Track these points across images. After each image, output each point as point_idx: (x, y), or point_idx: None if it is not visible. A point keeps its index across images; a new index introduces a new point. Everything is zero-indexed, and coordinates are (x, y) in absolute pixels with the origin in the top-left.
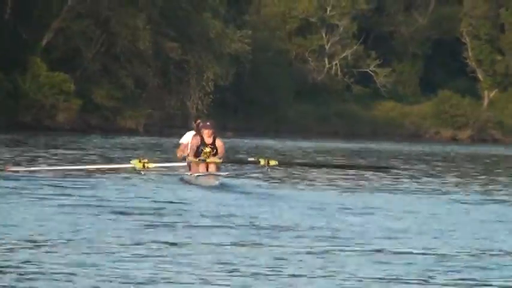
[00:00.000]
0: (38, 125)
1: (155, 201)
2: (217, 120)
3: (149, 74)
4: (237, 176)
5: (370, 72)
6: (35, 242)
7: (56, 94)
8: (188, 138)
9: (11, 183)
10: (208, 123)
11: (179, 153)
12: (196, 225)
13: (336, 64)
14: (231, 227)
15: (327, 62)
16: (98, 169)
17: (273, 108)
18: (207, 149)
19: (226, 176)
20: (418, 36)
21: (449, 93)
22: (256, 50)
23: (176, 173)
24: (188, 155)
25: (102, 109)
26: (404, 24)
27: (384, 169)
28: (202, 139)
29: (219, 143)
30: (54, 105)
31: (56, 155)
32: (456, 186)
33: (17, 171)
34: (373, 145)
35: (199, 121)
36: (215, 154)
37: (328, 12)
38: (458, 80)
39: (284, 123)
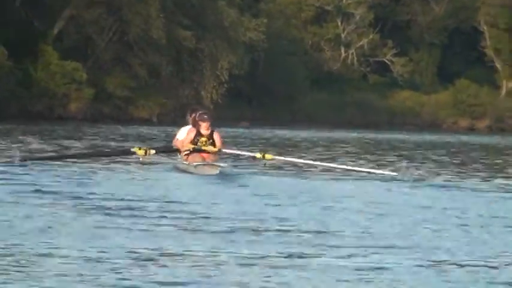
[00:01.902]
0: (49, 114)
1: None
2: (232, 110)
3: (163, 63)
4: (236, 166)
5: (387, 62)
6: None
7: (67, 83)
8: (184, 134)
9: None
10: (205, 116)
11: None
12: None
13: (352, 53)
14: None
15: (343, 51)
16: (100, 156)
17: (288, 97)
18: (203, 138)
19: (226, 167)
20: (435, 25)
21: (466, 83)
22: (272, 38)
23: (173, 161)
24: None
25: (114, 98)
26: (421, 13)
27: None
28: (198, 132)
29: (216, 135)
30: (66, 94)
31: (68, 147)
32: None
33: (25, 160)
34: (389, 135)
35: (194, 114)
36: (212, 145)
37: (344, 0)
38: (476, 69)
39: (300, 112)
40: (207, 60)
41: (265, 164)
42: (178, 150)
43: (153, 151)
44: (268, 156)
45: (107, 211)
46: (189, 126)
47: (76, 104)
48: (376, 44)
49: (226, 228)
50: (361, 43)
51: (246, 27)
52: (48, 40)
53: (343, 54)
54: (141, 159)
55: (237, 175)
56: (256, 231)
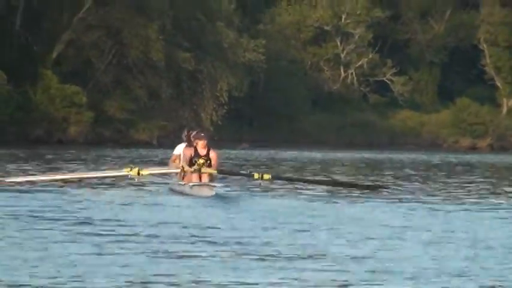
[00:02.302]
0: (49, 139)
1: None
2: (232, 132)
3: (162, 85)
4: (231, 187)
5: (387, 81)
6: None
7: (67, 107)
8: (180, 150)
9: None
10: (202, 134)
11: (172, 164)
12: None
13: (352, 73)
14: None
15: (342, 70)
16: (93, 177)
17: (288, 118)
18: (201, 160)
19: (221, 187)
20: (434, 44)
21: (467, 101)
22: (271, 59)
23: (168, 181)
24: (182, 166)
25: (115, 121)
26: (421, 31)
27: (374, 188)
28: (196, 150)
29: (213, 154)
30: (65, 118)
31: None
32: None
33: (14, 183)
34: (389, 155)
35: (191, 132)
36: (209, 165)
37: (343, 20)
38: (476, 88)
39: (300, 133)
40: (207, 81)
41: (260, 184)
42: (172, 173)
43: (146, 171)
44: (266, 176)
45: (102, 238)
46: (184, 144)
47: (76, 128)
48: (375, 63)
49: (229, 252)
50: (360, 63)
51: (245, 49)
52: (48, 64)
53: (343, 74)
54: (136, 180)
55: (233, 197)
56: (253, 255)
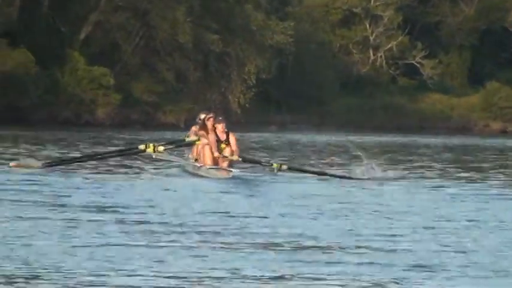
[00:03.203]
0: (77, 120)
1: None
2: (260, 115)
3: (190, 67)
4: (249, 172)
5: (416, 64)
6: None
7: (95, 88)
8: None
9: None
10: (220, 118)
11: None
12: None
13: (381, 56)
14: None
15: (371, 53)
16: (109, 155)
17: (317, 101)
18: (222, 145)
19: (238, 171)
20: (464, 27)
21: (497, 85)
22: (299, 42)
23: (183, 161)
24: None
25: (142, 104)
26: (451, 14)
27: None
28: (217, 137)
29: (232, 138)
30: (93, 100)
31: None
32: None
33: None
34: (418, 139)
35: (204, 116)
36: (230, 152)
37: (372, 2)
38: (507, 71)
39: (329, 116)
40: (235, 64)
41: (276, 174)
42: (190, 144)
43: (162, 147)
44: (284, 167)
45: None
46: (196, 127)
47: (103, 110)
48: (405, 46)
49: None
50: (389, 45)
51: (274, 31)
52: (75, 45)
53: (372, 57)
54: (154, 156)
55: (250, 180)
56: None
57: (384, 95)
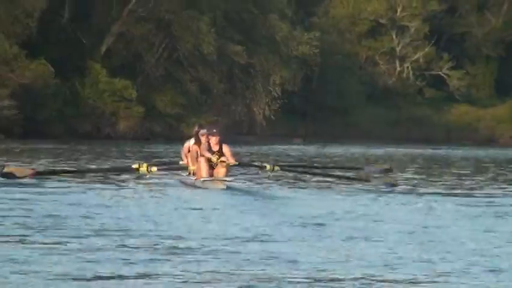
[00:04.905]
0: (98, 134)
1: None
2: (286, 126)
3: (214, 79)
4: (243, 181)
5: (443, 75)
6: None
7: (116, 101)
8: (189, 145)
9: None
10: (214, 130)
11: (184, 159)
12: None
13: (408, 67)
14: None
15: (398, 64)
16: (101, 171)
17: (343, 113)
18: (214, 158)
19: (232, 181)
20: (491, 38)
21: None
22: (325, 53)
23: (178, 177)
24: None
25: (165, 116)
26: (477, 25)
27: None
28: (209, 146)
29: (225, 148)
30: (114, 113)
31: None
32: None
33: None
34: (444, 151)
35: (197, 129)
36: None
37: (398, 13)
38: None
39: (355, 128)
40: (259, 75)
41: (269, 176)
42: (183, 168)
43: (155, 168)
44: (276, 168)
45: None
46: (192, 141)
47: (125, 123)
48: (431, 57)
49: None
50: (416, 56)
51: (299, 42)
52: (96, 57)
53: (398, 68)
54: (147, 176)
55: (244, 190)
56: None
57: (410, 107)
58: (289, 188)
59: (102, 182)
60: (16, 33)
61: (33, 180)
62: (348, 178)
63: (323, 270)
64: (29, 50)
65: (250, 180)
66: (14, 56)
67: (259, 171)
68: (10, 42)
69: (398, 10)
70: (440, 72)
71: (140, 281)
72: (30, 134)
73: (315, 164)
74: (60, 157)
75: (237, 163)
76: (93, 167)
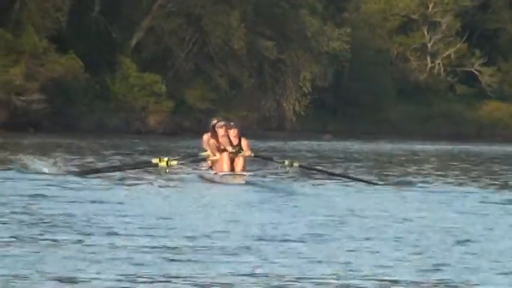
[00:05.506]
0: (128, 129)
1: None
2: (316, 122)
3: (244, 74)
4: (262, 176)
5: (475, 72)
6: None
7: (146, 96)
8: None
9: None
10: (232, 123)
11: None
12: None
13: (439, 63)
14: None
15: (429, 60)
16: (119, 169)
17: (374, 109)
18: (233, 150)
19: (251, 176)
20: None
21: None
22: (356, 48)
23: (197, 172)
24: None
25: (195, 111)
26: (510, 21)
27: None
28: (228, 139)
29: (244, 142)
30: (144, 108)
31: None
32: None
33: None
34: (475, 148)
35: (215, 122)
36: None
37: (430, 9)
38: None
39: (386, 124)
40: (289, 71)
41: (288, 171)
42: (203, 159)
43: (175, 162)
44: (295, 164)
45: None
46: (209, 134)
47: (155, 118)
48: (463, 53)
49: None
50: (448, 52)
51: (330, 37)
52: (126, 51)
53: (430, 64)
54: (167, 170)
55: (263, 185)
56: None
57: (442, 103)
58: (309, 184)
59: (120, 179)
60: (46, 27)
61: (50, 177)
62: (368, 182)
63: (348, 270)
64: (59, 44)
65: (269, 175)
66: (43, 50)
67: (278, 166)
68: (40, 36)
69: (430, 6)
70: (472, 69)
71: (158, 283)
72: (60, 128)
73: (334, 170)
74: (86, 153)
75: (252, 154)
76: (111, 165)
